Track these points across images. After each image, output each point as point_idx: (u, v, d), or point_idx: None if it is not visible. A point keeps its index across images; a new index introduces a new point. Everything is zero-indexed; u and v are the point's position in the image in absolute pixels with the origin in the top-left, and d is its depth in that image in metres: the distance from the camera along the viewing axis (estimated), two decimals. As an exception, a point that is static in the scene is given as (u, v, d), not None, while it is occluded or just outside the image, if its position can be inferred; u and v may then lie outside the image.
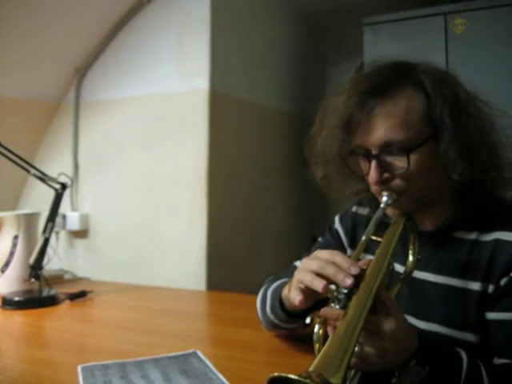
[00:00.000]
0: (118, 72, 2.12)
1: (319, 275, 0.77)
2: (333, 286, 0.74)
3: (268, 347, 1.14)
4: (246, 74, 2.20)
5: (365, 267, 0.76)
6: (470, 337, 0.87)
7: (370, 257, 0.85)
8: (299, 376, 0.55)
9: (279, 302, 1.01)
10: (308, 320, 0.73)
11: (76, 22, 1.97)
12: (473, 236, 0.89)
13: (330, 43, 2.97)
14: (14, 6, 1.74)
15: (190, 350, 1.07)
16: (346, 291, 0.71)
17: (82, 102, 2.19)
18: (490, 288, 0.85)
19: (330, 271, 0.75)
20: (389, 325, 0.70)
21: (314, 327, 0.75)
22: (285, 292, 0.97)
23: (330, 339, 0.65)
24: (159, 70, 2.03)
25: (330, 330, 0.71)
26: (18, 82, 1.99)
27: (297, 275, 0.83)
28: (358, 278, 0.72)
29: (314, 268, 0.78)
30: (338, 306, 0.71)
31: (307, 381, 0.54)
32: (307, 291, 0.80)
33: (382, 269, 0.76)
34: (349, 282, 0.71)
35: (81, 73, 2.17)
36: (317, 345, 0.73)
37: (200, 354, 1.05)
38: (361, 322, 0.66)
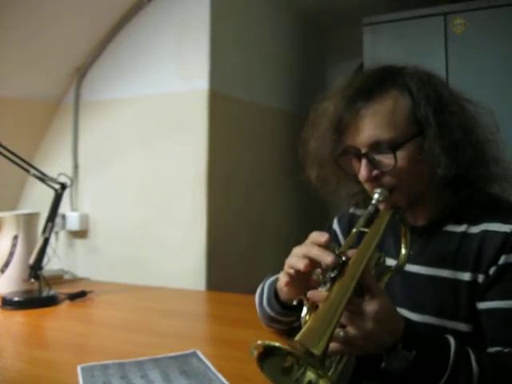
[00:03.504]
0: (118, 72, 2.12)
1: (306, 258, 0.80)
2: (319, 270, 0.76)
3: (268, 347, 1.14)
4: (246, 74, 2.20)
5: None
6: (462, 326, 0.90)
7: None
8: (283, 345, 0.58)
9: (274, 294, 1.02)
10: (295, 302, 0.75)
11: (76, 22, 1.97)
12: (462, 228, 0.92)
13: (330, 43, 2.97)
14: (13, 6, 1.74)
15: (190, 350, 1.07)
16: (332, 275, 0.74)
17: (82, 102, 2.19)
18: (480, 278, 0.88)
19: (314, 252, 0.78)
20: (372, 306, 0.72)
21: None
22: (278, 283, 0.98)
23: (313, 315, 0.68)
24: (159, 70, 2.03)
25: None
26: (17, 81, 1.99)
27: (286, 261, 0.86)
28: (345, 265, 0.75)
29: (302, 251, 0.81)
30: (324, 289, 0.73)
31: (290, 349, 0.58)
32: (294, 275, 0.84)
33: (366, 254, 0.78)
34: (329, 258, 0.75)
35: (81, 73, 2.17)
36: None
37: (200, 354, 1.05)
38: (344, 301, 0.68)
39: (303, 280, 0.83)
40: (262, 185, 2.34)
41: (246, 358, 1.07)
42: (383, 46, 2.18)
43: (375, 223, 0.88)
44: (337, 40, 2.93)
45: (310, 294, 0.74)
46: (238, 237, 2.13)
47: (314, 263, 0.78)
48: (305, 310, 0.76)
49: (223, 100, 2.01)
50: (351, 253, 0.78)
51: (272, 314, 1.06)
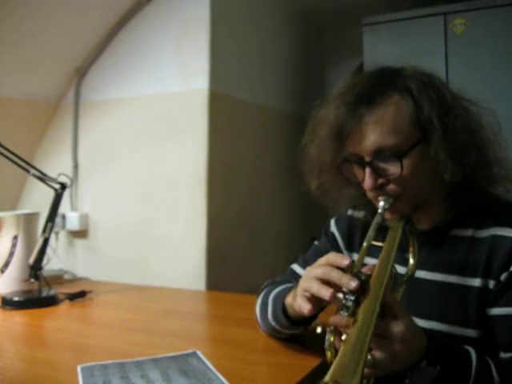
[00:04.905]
0: (118, 72, 2.12)
1: (324, 282, 0.78)
2: (340, 295, 0.74)
3: (268, 347, 1.14)
4: (246, 74, 2.20)
5: (369, 273, 0.76)
6: (470, 333, 0.88)
7: (372, 261, 0.86)
8: None
9: (282, 310, 1.00)
10: (319, 330, 0.74)
11: (76, 22, 1.97)
12: (469, 233, 0.91)
13: (330, 43, 2.97)
14: (13, 5, 1.74)
15: (190, 350, 1.06)
16: (353, 298, 0.72)
17: (82, 102, 2.19)
18: (491, 284, 0.87)
19: (334, 276, 0.76)
20: (397, 328, 0.71)
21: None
22: (288, 300, 0.96)
23: (342, 347, 0.66)
24: (159, 70, 2.02)
25: (337, 339, 0.72)
26: (17, 81, 1.99)
27: (302, 284, 0.83)
28: (364, 284, 0.73)
29: (319, 275, 0.79)
30: (346, 314, 0.72)
31: None
32: (313, 299, 0.82)
33: (386, 273, 0.77)
34: (353, 284, 0.72)
35: (80, 73, 2.17)
36: (328, 353, 0.74)
37: (200, 353, 1.05)
38: (371, 327, 0.67)
39: (319, 299, 0.81)
40: (262, 185, 2.34)
41: (246, 357, 1.07)
42: (383, 45, 2.18)
43: (389, 239, 0.86)
44: (337, 40, 2.93)
45: (332, 320, 0.73)
46: (238, 237, 2.13)
47: (332, 285, 0.77)
48: (328, 335, 0.74)
49: (223, 100, 2.01)
50: (366, 269, 0.77)
51: (277, 327, 1.04)
